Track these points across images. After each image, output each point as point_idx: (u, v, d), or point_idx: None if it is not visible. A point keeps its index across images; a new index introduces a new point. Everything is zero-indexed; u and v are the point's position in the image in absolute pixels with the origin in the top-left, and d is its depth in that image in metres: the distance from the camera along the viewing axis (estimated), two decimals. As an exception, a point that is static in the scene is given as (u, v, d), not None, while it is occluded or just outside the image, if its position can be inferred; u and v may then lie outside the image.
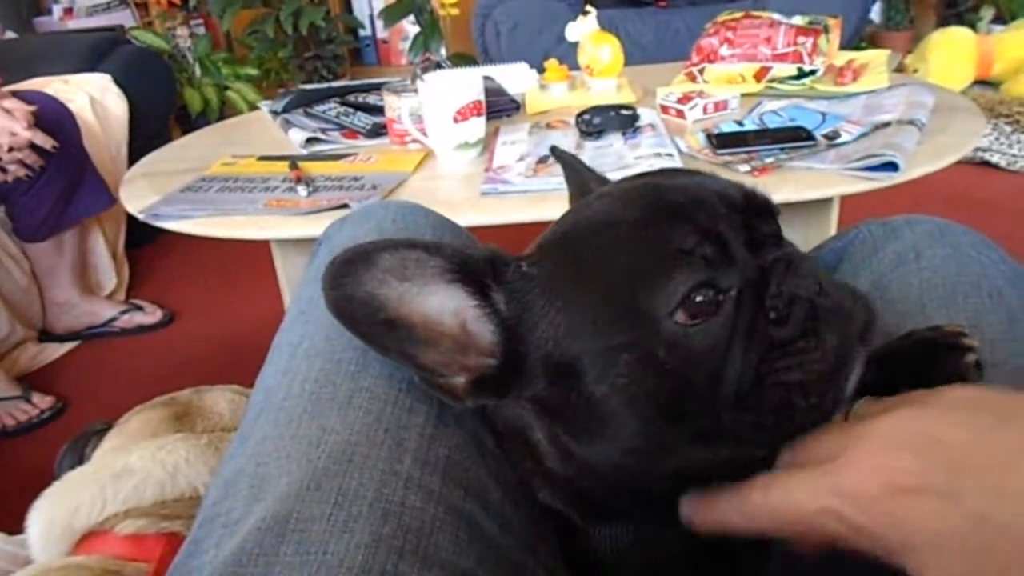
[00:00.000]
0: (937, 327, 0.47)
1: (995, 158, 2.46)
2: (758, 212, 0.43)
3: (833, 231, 1.40)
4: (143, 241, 2.34)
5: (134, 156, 1.79)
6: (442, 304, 0.40)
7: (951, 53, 2.81)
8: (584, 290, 0.40)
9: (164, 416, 0.87)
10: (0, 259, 1.89)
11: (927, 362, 0.45)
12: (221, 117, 2.82)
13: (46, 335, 2.02)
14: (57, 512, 0.77)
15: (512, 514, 0.44)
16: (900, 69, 2.85)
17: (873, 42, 3.20)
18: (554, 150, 0.65)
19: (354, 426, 0.43)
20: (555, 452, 0.44)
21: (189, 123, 2.89)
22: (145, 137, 2.15)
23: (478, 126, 1.27)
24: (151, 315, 2.07)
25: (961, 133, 1.18)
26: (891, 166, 1.05)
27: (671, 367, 0.37)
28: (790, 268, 0.39)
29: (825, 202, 1.37)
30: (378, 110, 1.45)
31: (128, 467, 0.78)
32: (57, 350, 1.99)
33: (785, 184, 1.07)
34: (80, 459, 0.88)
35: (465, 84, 1.25)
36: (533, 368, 0.41)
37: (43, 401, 1.74)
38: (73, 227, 1.94)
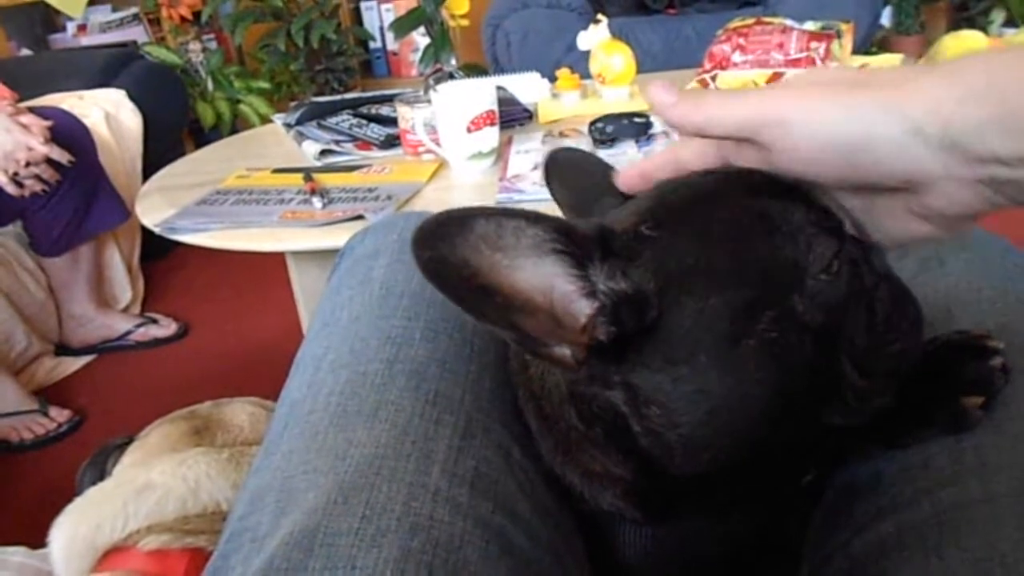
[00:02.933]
0: (963, 331, 0.46)
1: (1010, 161, 2.44)
2: None
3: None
4: (157, 255, 2.36)
5: (148, 170, 1.80)
6: (529, 279, 0.37)
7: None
8: (728, 246, 0.40)
9: (184, 430, 0.87)
10: (17, 273, 1.91)
11: (952, 366, 0.45)
12: (233, 131, 2.83)
13: (62, 349, 2.03)
14: (79, 528, 0.77)
15: (540, 526, 0.44)
16: (912, 73, 2.83)
17: (884, 47, 3.18)
18: (556, 157, 0.57)
19: (381, 439, 0.43)
20: (656, 442, 0.41)
21: (202, 137, 2.91)
22: (159, 151, 2.17)
23: (492, 135, 1.27)
24: (166, 328, 2.08)
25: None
26: (909, 171, 1.05)
27: (811, 324, 0.39)
28: (870, 251, 0.43)
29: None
30: (391, 121, 1.45)
31: (150, 482, 0.78)
32: (73, 364, 2.00)
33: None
34: (101, 474, 0.88)
35: (478, 94, 1.25)
36: (667, 335, 0.39)
37: (60, 415, 1.75)
38: (89, 241, 1.95)
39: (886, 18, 3.26)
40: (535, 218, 0.37)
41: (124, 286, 2.18)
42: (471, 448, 0.44)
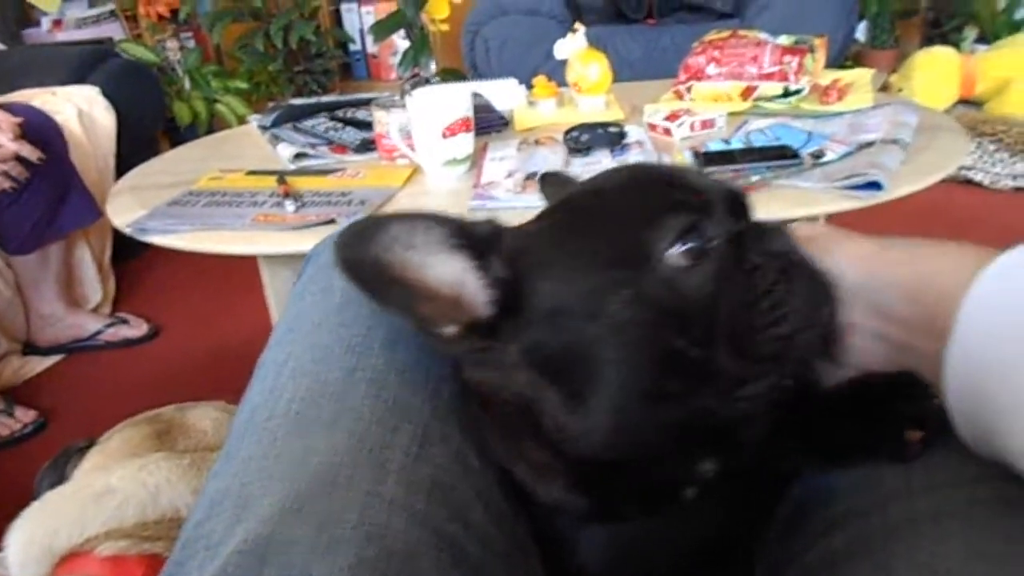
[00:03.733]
0: (907, 372, 0.45)
1: (978, 176, 2.48)
2: (735, 198, 0.46)
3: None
4: (129, 254, 2.32)
5: (121, 169, 1.78)
6: (442, 271, 0.43)
7: (935, 73, 2.84)
8: (583, 234, 0.44)
9: (146, 434, 0.86)
10: (-16, 272, 1.88)
11: (896, 401, 0.44)
12: (210, 130, 2.81)
13: (30, 348, 2.00)
14: (37, 533, 0.76)
15: (495, 533, 0.44)
16: (885, 88, 2.87)
17: (858, 61, 3.23)
18: (545, 177, 0.66)
19: (338, 447, 0.43)
20: (557, 425, 0.44)
21: (178, 136, 2.88)
22: (133, 150, 2.13)
23: (466, 142, 1.27)
24: (136, 329, 2.06)
25: (945, 152, 1.20)
26: (875, 185, 1.06)
27: (667, 305, 0.41)
28: (763, 231, 0.44)
29: (810, 220, 1.37)
30: (367, 125, 1.45)
31: (109, 488, 0.77)
32: (41, 363, 1.97)
33: (771, 202, 1.08)
34: (60, 478, 0.87)
35: (454, 100, 1.25)
36: (532, 314, 0.43)
37: (26, 415, 1.72)
38: (59, 240, 1.93)
39: (861, 32, 3.31)
40: (441, 220, 0.43)
41: (94, 286, 2.15)
42: (428, 456, 0.44)
